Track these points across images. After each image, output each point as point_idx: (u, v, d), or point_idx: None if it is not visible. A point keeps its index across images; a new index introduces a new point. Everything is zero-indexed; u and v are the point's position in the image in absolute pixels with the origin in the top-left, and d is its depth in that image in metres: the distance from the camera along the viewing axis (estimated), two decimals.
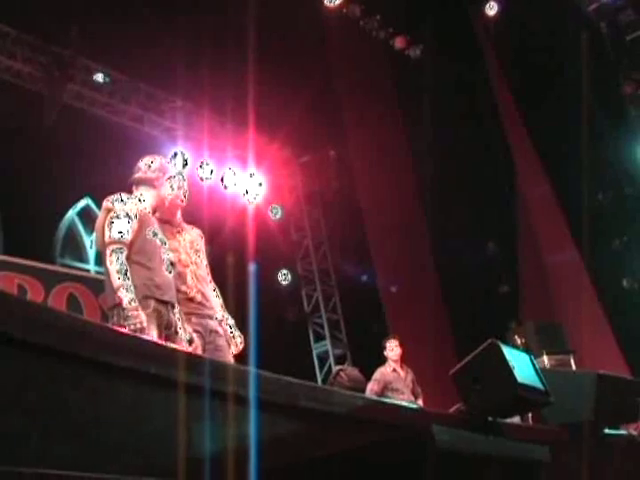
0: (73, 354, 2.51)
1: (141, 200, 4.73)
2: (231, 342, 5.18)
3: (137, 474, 2.65)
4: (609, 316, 11.87)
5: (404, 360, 9.02)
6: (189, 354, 3.35)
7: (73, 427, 2.54)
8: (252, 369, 2.96)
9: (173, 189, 4.96)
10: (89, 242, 10.94)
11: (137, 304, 4.31)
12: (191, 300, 5.00)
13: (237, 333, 5.23)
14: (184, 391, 2.67)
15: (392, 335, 9.22)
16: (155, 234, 4.68)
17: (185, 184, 5.18)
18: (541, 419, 5.50)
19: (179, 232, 5.18)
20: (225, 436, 2.82)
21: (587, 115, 11.30)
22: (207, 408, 2.73)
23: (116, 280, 4.34)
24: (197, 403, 2.74)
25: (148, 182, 4.83)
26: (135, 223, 4.56)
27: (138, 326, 4.25)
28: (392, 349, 8.92)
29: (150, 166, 4.88)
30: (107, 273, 4.46)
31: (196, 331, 4.89)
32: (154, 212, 4.94)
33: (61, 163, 10.10)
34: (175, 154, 11.84)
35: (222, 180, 12.86)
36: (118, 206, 4.56)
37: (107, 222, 4.52)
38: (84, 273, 10.50)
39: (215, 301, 5.25)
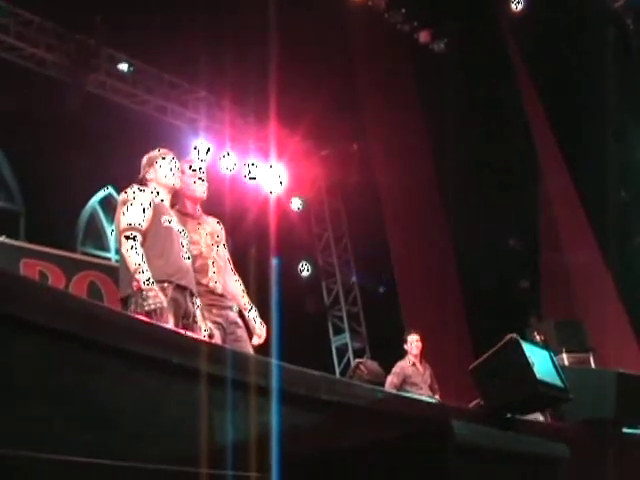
0: (96, 341, 2.53)
1: (153, 192, 4.73)
2: (254, 331, 5.19)
3: (158, 462, 2.66)
4: (630, 314, 11.79)
5: (423, 355, 9.02)
6: (211, 344, 3.36)
7: (96, 414, 2.56)
8: (274, 360, 2.97)
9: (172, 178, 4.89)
10: (110, 231, 11.00)
11: (154, 284, 4.31)
12: (212, 292, 5.00)
13: (260, 321, 5.25)
14: (206, 381, 2.68)
15: (413, 330, 9.19)
16: (171, 222, 4.68)
17: (202, 175, 5.20)
18: (561, 416, 5.49)
19: (200, 224, 5.19)
20: (246, 426, 2.83)
21: (612, 112, 11.23)
22: (229, 398, 2.74)
23: (132, 263, 4.36)
24: (219, 393, 2.75)
25: (147, 180, 4.83)
26: (150, 212, 4.58)
27: (158, 305, 4.24)
28: (413, 344, 8.91)
29: (145, 162, 4.89)
30: (122, 259, 4.48)
31: (217, 323, 4.89)
32: (172, 205, 4.95)
33: (84, 152, 10.13)
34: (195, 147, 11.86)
35: (244, 172, 12.88)
36: (132, 196, 4.59)
37: (122, 211, 4.54)
38: (105, 261, 10.52)
39: (238, 290, 5.28)
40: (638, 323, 11.62)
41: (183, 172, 5.09)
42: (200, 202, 5.25)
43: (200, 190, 5.18)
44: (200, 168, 5.24)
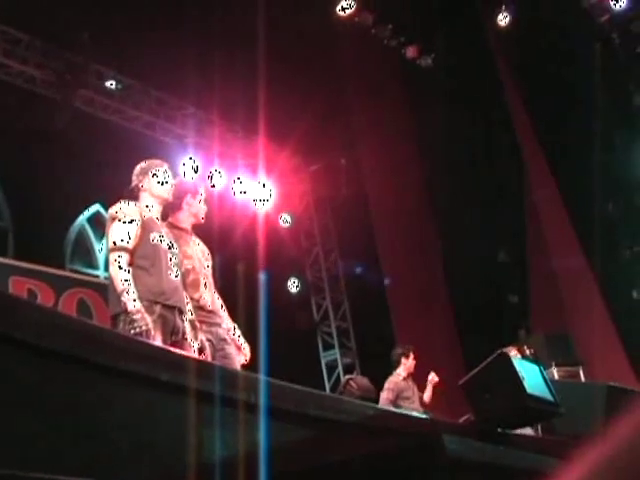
0: (85, 359, 2.52)
1: (147, 206, 4.70)
2: (240, 351, 5.20)
3: (146, 479, 2.65)
4: (619, 327, 11.82)
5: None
6: (200, 361, 3.35)
7: (83, 432, 2.54)
8: (262, 377, 2.96)
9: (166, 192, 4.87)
10: (99, 248, 10.98)
11: (141, 307, 4.29)
12: (202, 308, 5.01)
13: (244, 342, 5.25)
14: (195, 398, 2.67)
15: (409, 346, 9.19)
16: (161, 239, 4.64)
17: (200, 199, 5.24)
18: (551, 430, 5.48)
19: (193, 241, 5.21)
20: (235, 443, 2.82)
21: (598, 124, 11.29)
22: (218, 415, 2.73)
23: (119, 284, 4.34)
24: (208, 410, 2.74)
25: (139, 190, 4.79)
26: (138, 229, 4.54)
27: (143, 328, 4.23)
28: (411, 359, 8.94)
29: (139, 171, 4.85)
30: (111, 279, 4.46)
31: (207, 340, 4.89)
32: (165, 218, 4.94)
33: (72, 169, 10.13)
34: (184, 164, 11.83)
35: (232, 187, 12.88)
36: (121, 213, 4.55)
37: (111, 228, 4.52)
38: (94, 279, 10.53)
39: (220, 310, 5.28)
40: (627, 336, 11.65)
41: (197, 192, 5.21)
42: (197, 223, 5.28)
43: (203, 214, 5.23)
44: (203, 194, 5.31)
